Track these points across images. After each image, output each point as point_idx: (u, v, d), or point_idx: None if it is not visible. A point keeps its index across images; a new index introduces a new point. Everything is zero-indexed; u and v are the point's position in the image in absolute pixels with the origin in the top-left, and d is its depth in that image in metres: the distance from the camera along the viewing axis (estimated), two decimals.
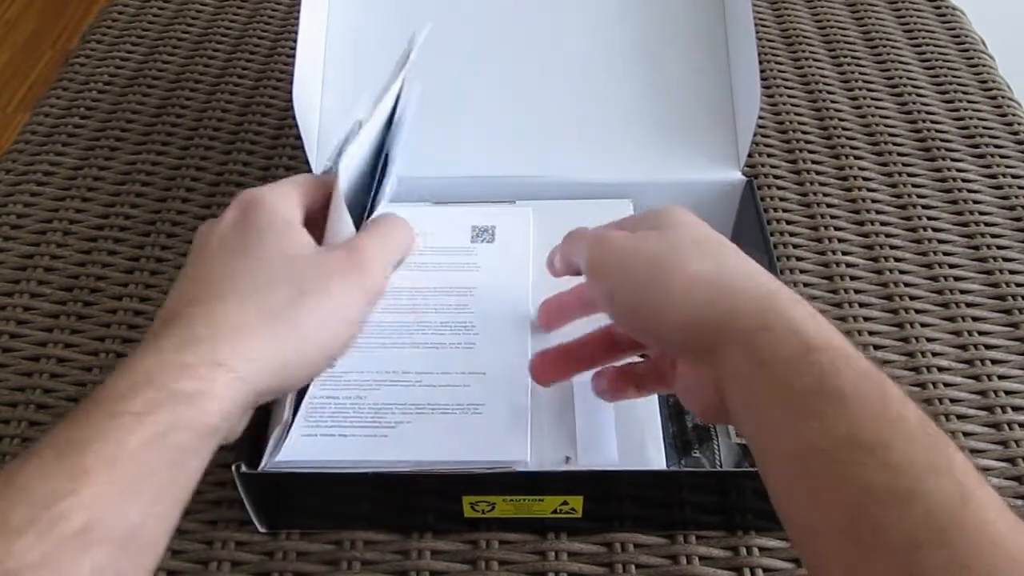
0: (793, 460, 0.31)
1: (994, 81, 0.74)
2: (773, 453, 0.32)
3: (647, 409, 0.47)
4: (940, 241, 0.63)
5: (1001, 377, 0.55)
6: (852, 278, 0.60)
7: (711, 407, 0.37)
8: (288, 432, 0.43)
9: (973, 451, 0.52)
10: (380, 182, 0.43)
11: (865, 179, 0.67)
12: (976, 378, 0.55)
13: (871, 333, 0.57)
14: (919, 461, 0.29)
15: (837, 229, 0.63)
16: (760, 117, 0.57)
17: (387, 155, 0.44)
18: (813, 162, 0.68)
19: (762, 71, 0.58)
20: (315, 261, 0.36)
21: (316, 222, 0.39)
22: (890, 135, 0.70)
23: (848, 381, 0.31)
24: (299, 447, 0.45)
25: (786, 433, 0.32)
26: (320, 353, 0.35)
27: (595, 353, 0.45)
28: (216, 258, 0.36)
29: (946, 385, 0.55)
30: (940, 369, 0.55)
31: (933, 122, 0.71)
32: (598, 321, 0.46)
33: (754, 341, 0.33)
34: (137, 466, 0.29)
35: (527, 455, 0.45)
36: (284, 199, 0.38)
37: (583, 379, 0.48)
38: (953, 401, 0.54)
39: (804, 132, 0.70)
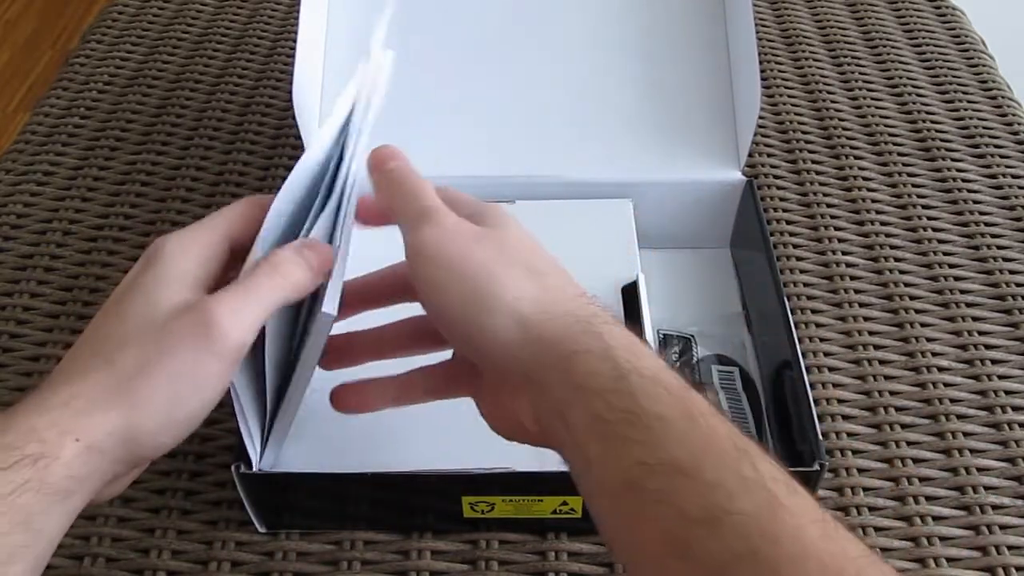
0: (613, 488, 0.32)
1: (994, 81, 0.74)
2: (595, 481, 0.33)
3: None
4: (940, 241, 0.63)
5: (1001, 377, 0.55)
6: (852, 278, 0.60)
7: (519, 429, 0.37)
8: (268, 436, 0.43)
9: (973, 451, 0.52)
10: (326, 196, 0.42)
11: (865, 179, 0.67)
12: (976, 378, 0.55)
13: (871, 333, 0.57)
14: (729, 477, 0.29)
15: (837, 229, 0.63)
16: (760, 117, 0.57)
17: (339, 164, 0.43)
18: (813, 162, 0.68)
19: (762, 71, 0.58)
20: (167, 325, 0.35)
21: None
22: (890, 135, 0.70)
23: (657, 402, 0.32)
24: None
25: (604, 462, 0.32)
26: (172, 419, 0.35)
27: (399, 343, 0.43)
28: (99, 316, 0.37)
29: (946, 385, 0.55)
30: (940, 369, 0.55)
31: (933, 122, 0.71)
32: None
33: (570, 365, 0.34)
34: None
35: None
36: (184, 250, 0.38)
37: None
38: (953, 401, 0.54)
39: (804, 132, 0.70)
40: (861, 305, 0.59)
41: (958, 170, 0.67)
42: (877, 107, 0.72)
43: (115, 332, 0.36)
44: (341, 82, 0.61)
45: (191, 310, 0.35)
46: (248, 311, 0.36)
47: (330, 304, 0.38)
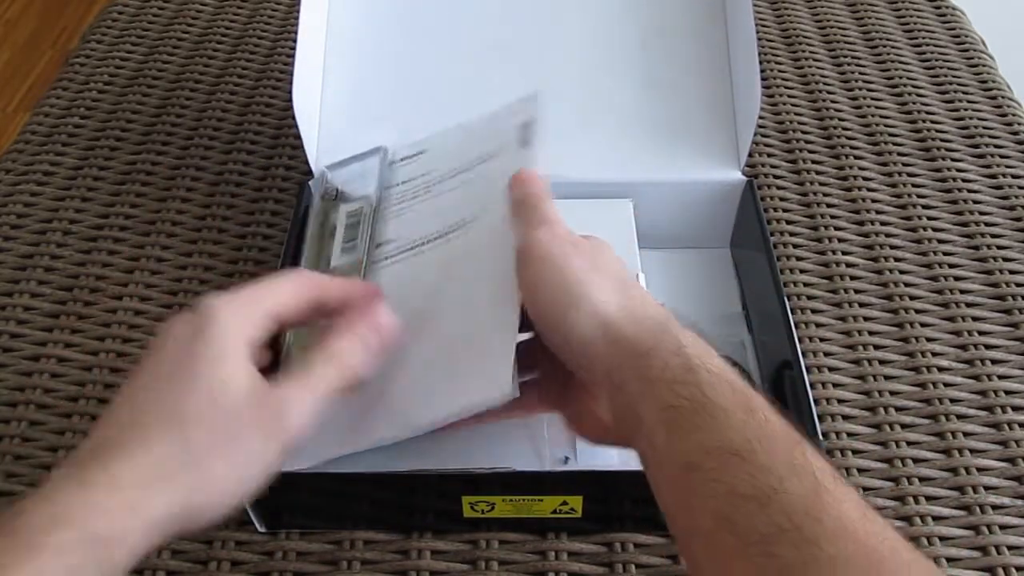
0: (674, 470, 0.35)
1: (994, 81, 0.74)
2: (659, 464, 0.36)
3: None
4: (940, 241, 0.63)
5: (1001, 377, 0.55)
6: (852, 278, 0.60)
7: (601, 430, 0.41)
8: None
9: (973, 451, 0.52)
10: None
11: (865, 179, 0.67)
12: (976, 378, 0.55)
13: (871, 333, 0.57)
14: (780, 463, 0.32)
15: (837, 229, 0.63)
16: (760, 117, 0.57)
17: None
18: (813, 162, 0.68)
19: (762, 71, 0.58)
20: (239, 413, 0.36)
21: (290, 322, 0.41)
22: (890, 135, 0.70)
23: (721, 395, 0.35)
24: (292, 456, 0.45)
25: (669, 447, 0.35)
26: (227, 498, 0.36)
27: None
28: (153, 384, 0.37)
29: (946, 385, 0.55)
30: (940, 369, 0.55)
31: (933, 122, 0.71)
32: None
33: (645, 362, 0.37)
34: None
35: (511, 389, 0.41)
36: (237, 319, 0.38)
37: None
38: (953, 401, 0.54)
39: (804, 132, 0.70)
40: (861, 305, 0.59)
41: (958, 170, 0.67)
42: (877, 107, 0.72)
43: (182, 407, 0.36)
44: (341, 82, 0.62)
45: (263, 403, 0.37)
46: (312, 403, 0.38)
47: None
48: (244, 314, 0.39)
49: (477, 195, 0.50)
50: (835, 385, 0.55)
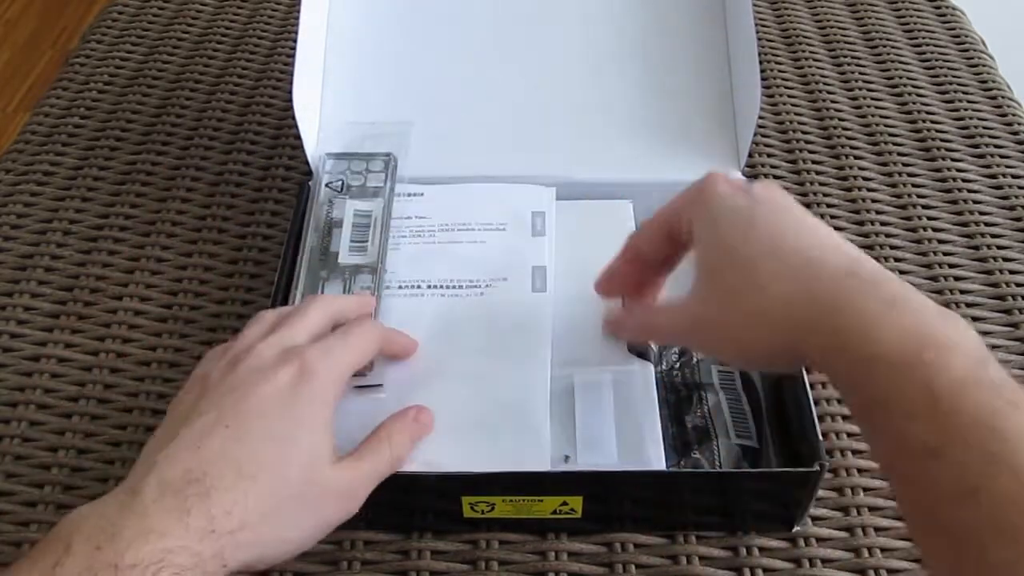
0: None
1: (994, 81, 0.74)
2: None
3: (647, 409, 0.47)
4: (940, 241, 0.63)
5: None
6: None
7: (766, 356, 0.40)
8: None
9: None
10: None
11: (865, 179, 0.67)
12: None
13: None
14: (978, 453, 0.30)
15: (837, 229, 0.63)
16: (760, 117, 0.57)
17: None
18: (813, 162, 0.68)
19: (762, 71, 0.58)
20: (326, 486, 0.40)
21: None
22: (890, 135, 0.70)
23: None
24: None
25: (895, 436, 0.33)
26: (286, 555, 0.40)
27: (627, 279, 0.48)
28: (257, 427, 0.39)
29: None
30: None
31: (933, 122, 0.71)
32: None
33: (866, 331, 0.34)
34: None
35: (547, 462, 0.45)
36: (333, 384, 0.41)
37: (584, 379, 0.48)
38: None
39: (804, 132, 0.70)
40: None
41: (958, 170, 0.67)
42: (877, 107, 0.72)
43: (283, 472, 0.38)
44: (341, 82, 0.62)
45: (344, 484, 0.41)
46: (373, 485, 0.42)
47: None
48: (337, 378, 0.42)
49: (493, 262, 0.53)
50: None
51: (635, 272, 0.47)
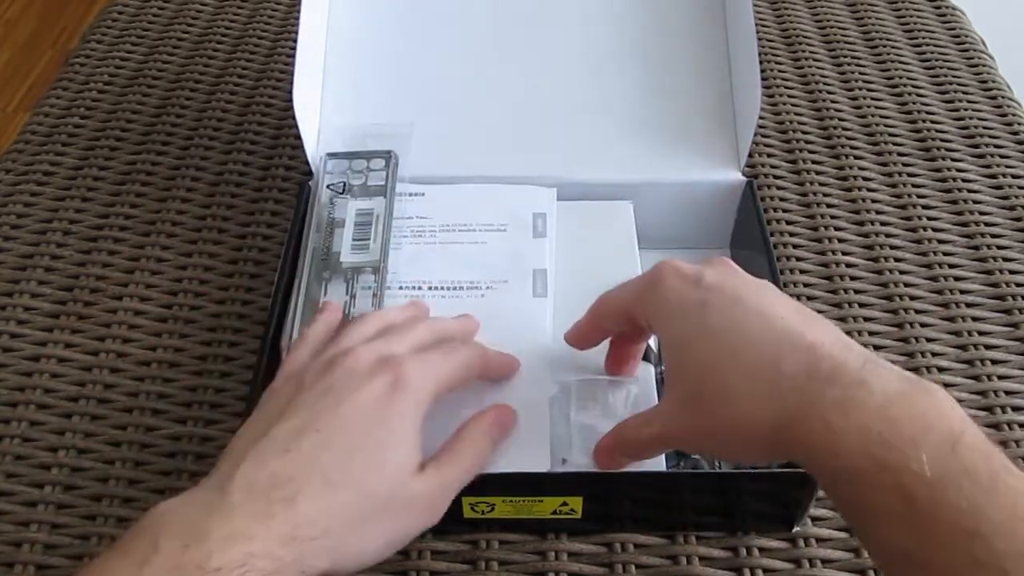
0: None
1: (994, 81, 0.74)
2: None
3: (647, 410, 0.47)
4: (940, 241, 0.63)
5: (1001, 377, 0.55)
6: (852, 278, 0.60)
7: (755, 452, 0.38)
8: None
9: None
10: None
11: (865, 179, 0.67)
12: (976, 378, 0.55)
13: (871, 333, 0.57)
14: (961, 560, 0.30)
15: (837, 229, 0.63)
16: (760, 117, 0.57)
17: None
18: (813, 162, 0.68)
19: (762, 71, 0.58)
20: (409, 499, 0.39)
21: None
22: (890, 135, 0.70)
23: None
24: None
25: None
26: (365, 564, 0.39)
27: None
28: (346, 437, 0.38)
29: (946, 385, 0.55)
30: (940, 369, 0.55)
31: (933, 122, 0.71)
32: None
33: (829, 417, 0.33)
34: None
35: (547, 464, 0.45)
36: (427, 396, 0.41)
37: (584, 380, 0.48)
38: None
39: (804, 132, 0.70)
40: (861, 305, 0.59)
41: (958, 170, 0.67)
42: (877, 107, 0.72)
43: (369, 483, 0.38)
44: (341, 82, 0.62)
45: (427, 495, 0.40)
46: (455, 493, 0.42)
47: None
48: (432, 391, 0.41)
49: (493, 264, 0.53)
50: None
51: (601, 336, 0.47)
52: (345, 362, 0.41)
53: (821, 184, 0.66)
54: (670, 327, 0.40)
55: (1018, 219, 0.64)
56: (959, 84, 0.74)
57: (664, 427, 0.41)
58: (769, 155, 0.68)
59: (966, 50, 0.77)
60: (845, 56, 0.76)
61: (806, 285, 0.60)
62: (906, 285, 0.60)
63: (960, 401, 0.53)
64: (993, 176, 0.67)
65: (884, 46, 0.77)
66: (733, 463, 0.45)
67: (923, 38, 0.78)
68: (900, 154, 0.68)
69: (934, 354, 0.56)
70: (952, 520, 0.30)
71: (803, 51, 0.77)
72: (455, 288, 0.52)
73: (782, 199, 0.65)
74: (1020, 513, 0.30)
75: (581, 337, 0.47)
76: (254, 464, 0.37)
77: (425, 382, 0.41)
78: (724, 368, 0.37)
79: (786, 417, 0.34)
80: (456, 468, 0.42)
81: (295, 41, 0.57)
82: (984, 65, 0.75)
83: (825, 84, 0.74)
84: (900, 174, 0.67)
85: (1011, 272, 0.61)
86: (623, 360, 0.48)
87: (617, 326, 0.45)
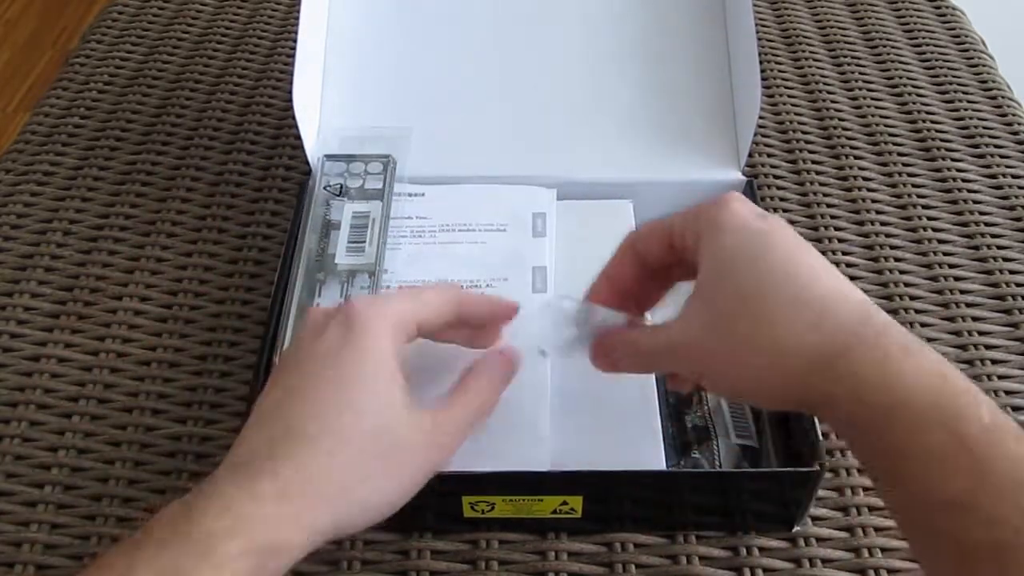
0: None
1: (994, 81, 0.74)
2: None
3: (647, 409, 0.47)
4: (940, 241, 0.63)
5: (1001, 377, 0.55)
6: (852, 278, 0.60)
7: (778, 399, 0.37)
8: None
9: None
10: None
11: (865, 179, 0.67)
12: (976, 378, 0.55)
13: None
14: (1011, 509, 0.29)
15: (837, 229, 0.63)
16: (760, 117, 0.57)
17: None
18: (813, 162, 0.68)
19: (762, 71, 0.58)
20: (402, 433, 0.38)
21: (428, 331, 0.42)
22: (890, 135, 0.70)
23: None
24: None
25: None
26: (376, 516, 0.38)
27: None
28: (311, 394, 0.37)
29: None
30: None
31: (933, 122, 0.71)
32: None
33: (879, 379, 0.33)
34: None
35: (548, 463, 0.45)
36: (388, 330, 0.39)
37: (584, 378, 0.48)
38: None
39: (804, 132, 0.70)
40: None
41: (958, 170, 0.67)
42: (877, 107, 0.72)
43: (349, 428, 0.37)
44: (341, 82, 0.62)
45: (425, 429, 0.38)
46: (465, 431, 0.40)
47: None
48: (391, 323, 0.39)
49: (493, 263, 0.53)
50: None
51: (631, 277, 0.43)
52: (306, 322, 0.40)
53: (821, 184, 0.66)
54: (724, 250, 0.37)
55: (1018, 219, 0.64)
56: (959, 84, 0.74)
57: (679, 339, 0.38)
58: (769, 155, 0.68)
59: (966, 50, 0.77)
60: (845, 56, 0.76)
61: None
62: (906, 285, 0.60)
63: None
64: (993, 176, 0.67)
65: (884, 46, 0.77)
66: (742, 399, 0.43)
67: (923, 38, 0.78)
68: (900, 154, 0.68)
69: None
70: (1005, 469, 0.30)
71: (803, 51, 0.77)
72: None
73: (782, 199, 0.65)
74: None
75: (608, 277, 0.43)
76: (237, 448, 0.37)
77: (380, 316, 0.39)
78: (773, 294, 0.35)
79: (837, 346, 0.33)
80: (464, 406, 0.40)
81: (295, 41, 0.57)
82: (984, 65, 0.75)
83: (825, 84, 0.74)
84: (900, 174, 0.67)
85: (1011, 272, 0.61)
86: (644, 300, 0.44)
87: (651, 249, 0.42)
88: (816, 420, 0.45)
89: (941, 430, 0.31)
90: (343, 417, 0.37)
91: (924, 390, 0.32)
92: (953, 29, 0.79)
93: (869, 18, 0.80)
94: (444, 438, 0.39)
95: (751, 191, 0.57)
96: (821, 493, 0.49)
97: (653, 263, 0.42)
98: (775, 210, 0.64)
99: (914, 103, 0.72)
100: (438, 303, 0.42)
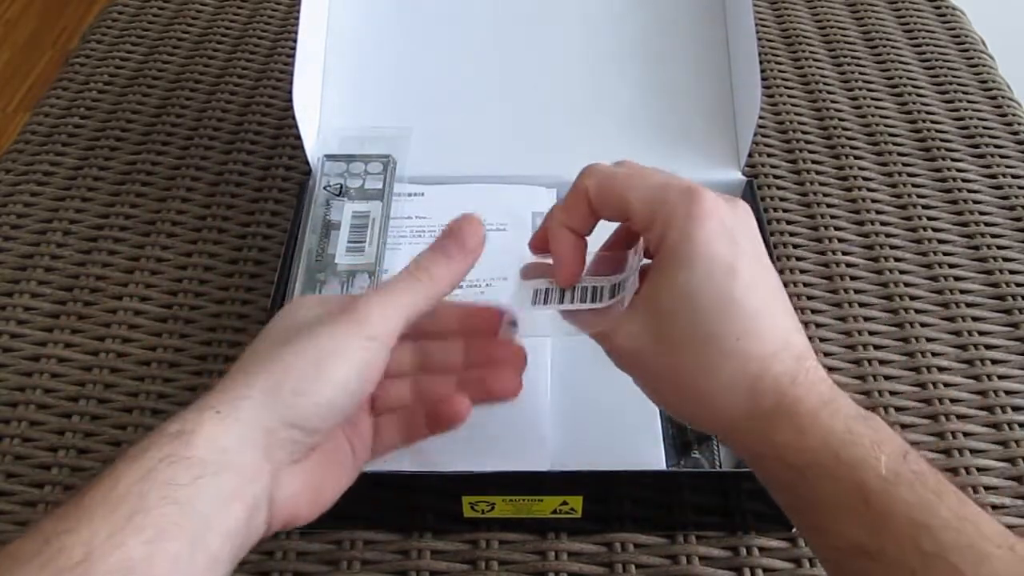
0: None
1: (994, 81, 0.74)
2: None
3: (646, 409, 0.47)
4: (940, 241, 0.63)
5: (1001, 377, 0.55)
6: (852, 278, 0.60)
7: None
8: None
9: (973, 451, 0.52)
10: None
11: (865, 179, 0.67)
12: (976, 378, 0.55)
13: (871, 333, 0.57)
14: (910, 551, 0.31)
15: (837, 229, 0.63)
16: (760, 117, 0.57)
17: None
18: (813, 162, 0.68)
19: (762, 71, 0.58)
20: (314, 313, 0.37)
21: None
22: (890, 135, 0.70)
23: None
24: None
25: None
26: (318, 387, 0.35)
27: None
28: (257, 348, 0.37)
29: (946, 385, 0.55)
30: (940, 369, 0.55)
31: (933, 122, 0.71)
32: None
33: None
34: (130, 503, 0.31)
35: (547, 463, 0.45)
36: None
37: (584, 378, 0.48)
38: (953, 401, 0.54)
39: (804, 132, 0.70)
40: (861, 305, 0.59)
41: (958, 170, 0.67)
42: (877, 107, 0.72)
43: (278, 323, 0.37)
44: (341, 82, 0.62)
45: (338, 303, 0.37)
46: (397, 309, 0.37)
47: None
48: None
49: (493, 261, 0.51)
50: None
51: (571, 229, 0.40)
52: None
53: (821, 184, 0.66)
54: (687, 274, 0.36)
55: (1018, 219, 0.64)
56: (959, 84, 0.74)
57: (623, 345, 0.38)
58: (769, 155, 0.68)
59: (966, 50, 0.77)
60: (845, 56, 0.76)
61: (806, 285, 0.60)
62: (906, 285, 0.60)
63: (960, 401, 0.54)
64: (993, 176, 0.67)
65: (884, 46, 0.77)
66: (663, 408, 0.42)
67: (923, 38, 0.78)
68: (900, 154, 0.68)
69: (934, 354, 0.56)
70: (903, 513, 0.32)
71: (803, 51, 0.77)
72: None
73: (782, 199, 0.65)
74: (963, 513, 0.31)
75: (551, 225, 0.41)
76: None
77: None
78: (719, 347, 0.35)
79: (761, 413, 0.35)
80: (404, 290, 0.37)
81: (295, 41, 0.57)
82: (984, 65, 0.75)
83: (825, 84, 0.74)
84: (900, 174, 0.67)
85: (1011, 272, 0.61)
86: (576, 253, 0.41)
87: (608, 214, 0.39)
88: None
89: (844, 484, 0.33)
90: (277, 321, 0.37)
91: (830, 449, 0.34)
92: (953, 29, 0.79)
93: (869, 18, 0.80)
94: (375, 320, 0.36)
95: (751, 191, 0.57)
96: None
97: (582, 225, 0.40)
98: (775, 210, 0.64)
99: (914, 103, 0.72)
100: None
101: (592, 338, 0.39)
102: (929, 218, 0.64)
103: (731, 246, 0.36)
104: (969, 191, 0.66)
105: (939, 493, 0.32)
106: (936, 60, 0.76)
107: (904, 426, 0.53)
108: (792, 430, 0.34)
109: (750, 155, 0.59)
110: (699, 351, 0.35)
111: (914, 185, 0.66)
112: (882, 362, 0.56)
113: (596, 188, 0.39)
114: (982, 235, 0.63)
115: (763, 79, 0.68)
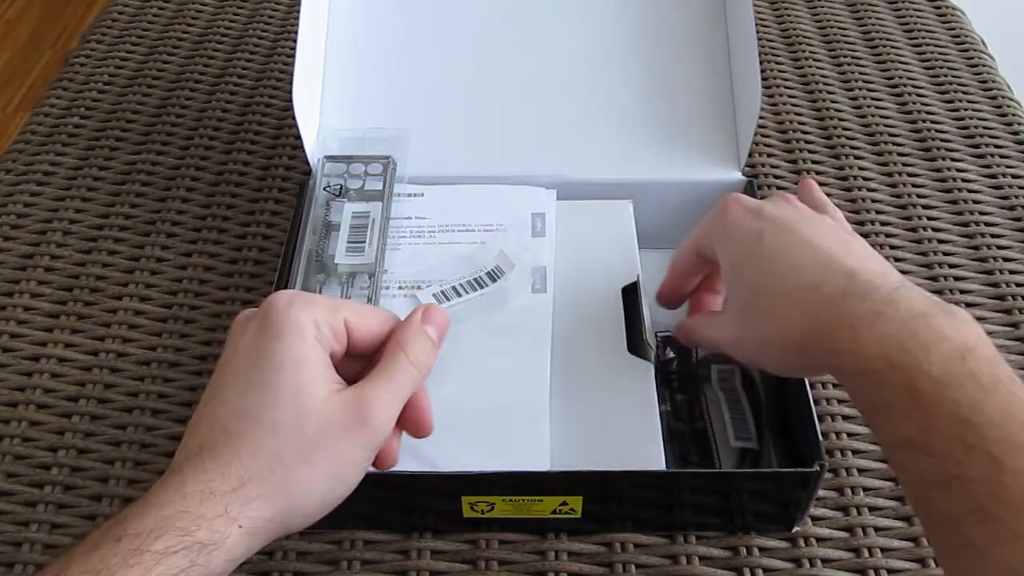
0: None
1: (994, 81, 0.74)
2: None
3: (646, 409, 0.47)
4: (940, 241, 0.63)
5: None
6: None
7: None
8: None
9: None
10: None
11: (865, 179, 0.67)
12: None
13: None
14: (954, 445, 0.34)
15: None
16: (760, 117, 0.57)
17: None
18: (813, 162, 0.68)
19: (762, 71, 0.58)
20: (325, 416, 0.37)
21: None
22: (890, 135, 0.70)
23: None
24: None
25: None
26: (320, 505, 0.38)
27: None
28: (234, 393, 0.38)
29: None
30: None
31: (933, 122, 0.71)
32: None
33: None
34: None
35: (548, 463, 0.45)
36: (307, 316, 0.39)
37: (584, 379, 0.48)
38: None
39: (804, 132, 0.70)
40: None
41: (958, 170, 0.67)
42: (877, 107, 0.72)
43: (270, 417, 0.37)
44: (341, 82, 0.62)
45: (349, 407, 0.38)
46: (395, 404, 0.39)
47: None
48: (314, 322, 0.39)
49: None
50: (835, 385, 0.55)
51: (685, 284, 0.50)
52: (233, 324, 0.40)
53: (821, 184, 0.66)
54: (730, 252, 0.44)
55: (1018, 219, 0.64)
56: (959, 84, 0.74)
57: (718, 334, 0.46)
58: (769, 155, 0.68)
59: (966, 50, 0.77)
60: (845, 56, 0.76)
61: None
62: None
63: None
64: (993, 176, 0.67)
65: (884, 46, 0.77)
66: (773, 372, 0.47)
67: (923, 38, 0.78)
68: (900, 154, 0.68)
69: None
70: (950, 412, 0.34)
71: (803, 51, 0.77)
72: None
73: None
74: (1013, 412, 0.34)
75: (666, 287, 0.51)
76: (177, 455, 0.37)
77: (295, 308, 0.39)
78: (771, 290, 0.41)
79: (820, 328, 0.39)
80: (391, 375, 0.39)
81: (295, 41, 0.57)
82: (984, 65, 0.75)
83: (825, 84, 0.74)
84: (900, 174, 0.67)
85: (1011, 272, 0.61)
86: (705, 295, 0.51)
87: (691, 266, 0.49)
88: (816, 420, 0.45)
89: (896, 387, 0.36)
90: (264, 410, 0.37)
91: (883, 354, 0.36)
92: (953, 29, 0.79)
93: (869, 18, 0.80)
94: (369, 416, 0.38)
95: (751, 191, 0.57)
96: (821, 493, 0.49)
97: (696, 274, 0.50)
98: None
99: (914, 103, 0.72)
100: (371, 316, 0.41)
101: (713, 350, 0.49)
102: (929, 218, 0.64)
103: (757, 220, 0.43)
104: (969, 191, 0.66)
105: (990, 391, 0.34)
106: (936, 60, 0.76)
107: None
108: (849, 339, 0.37)
109: (750, 155, 0.59)
110: (760, 307, 0.42)
111: (914, 185, 0.66)
112: None
113: (675, 252, 0.50)
114: (982, 235, 0.63)
115: (763, 79, 0.68)
